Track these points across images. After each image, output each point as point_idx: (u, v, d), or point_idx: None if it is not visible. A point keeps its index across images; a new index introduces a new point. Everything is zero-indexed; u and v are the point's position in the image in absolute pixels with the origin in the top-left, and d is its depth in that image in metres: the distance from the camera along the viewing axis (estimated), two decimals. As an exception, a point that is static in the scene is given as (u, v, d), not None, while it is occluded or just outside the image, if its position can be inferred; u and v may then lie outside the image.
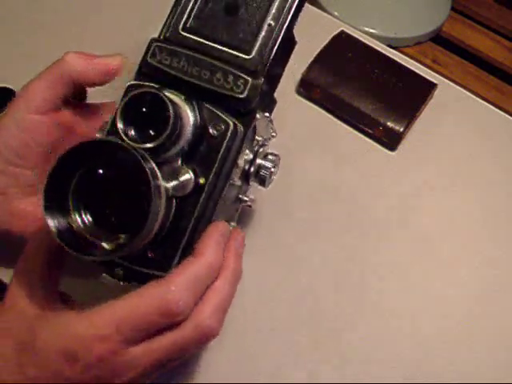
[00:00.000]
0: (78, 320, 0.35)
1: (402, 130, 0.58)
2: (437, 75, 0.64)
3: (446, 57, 1.40)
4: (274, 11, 0.41)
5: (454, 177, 0.59)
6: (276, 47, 0.41)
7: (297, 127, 0.60)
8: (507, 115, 0.63)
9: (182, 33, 0.41)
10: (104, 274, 0.40)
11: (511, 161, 0.60)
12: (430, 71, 0.64)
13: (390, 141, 0.59)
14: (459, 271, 0.53)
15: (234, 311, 0.49)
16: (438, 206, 0.57)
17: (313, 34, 0.65)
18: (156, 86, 0.39)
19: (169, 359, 0.37)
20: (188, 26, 0.41)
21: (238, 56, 0.41)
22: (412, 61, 0.65)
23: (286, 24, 0.42)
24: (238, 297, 0.50)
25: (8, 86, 0.57)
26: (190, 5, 0.41)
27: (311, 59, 0.61)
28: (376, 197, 0.57)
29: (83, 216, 0.37)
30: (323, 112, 0.61)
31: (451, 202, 0.57)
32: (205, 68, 0.40)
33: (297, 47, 0.65)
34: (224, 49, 0.41)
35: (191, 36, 0.41)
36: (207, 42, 0.41)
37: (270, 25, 0.41)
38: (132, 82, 0.40)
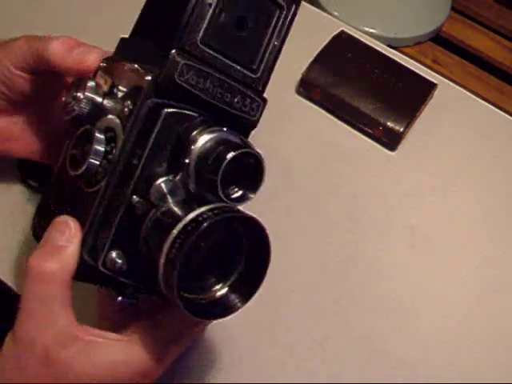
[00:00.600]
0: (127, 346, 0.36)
1: (401, 130, 0.58)
2: (437, 75, 0.64)
3: (446, 57, 1.40)
4: (277, 30, 0.41)
5: (454, 177, 0.59)
6: (274, 66, 0.41)
7: (297, 127, 0.60)
8: (507, 115, 0.63)
9: (201, 46, 0.38)
10: (120, 298, 0.39)
11: (511, 161, 0.60)
12: (430, 71, 0.64)
13: (390, 141, 0.59)
14: (459, 271, 0.53)
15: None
16: (438, 205, 0.57)
17: (313, 34, 0.65)
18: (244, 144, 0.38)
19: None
20: (205, 38, 0.38)
21: (246, 75, 0.40)
22: (412, 61, 0.65)
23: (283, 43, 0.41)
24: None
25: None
26: (205, 14, 0.38)
27: (311, 59, 0.61)
28: (376, 197, 0.57)
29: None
30: (323, 112, 0.61)
31: (451, 202, 0.57)
32: (227, 90, 0.39)
33: (297, 47, 0.65)
34: (236, 66, 0.40)
35: (208, 50, 0.39)
36: (222, 58, 0.39)
37: (275, 45, 0.41)
38: (156, 101, 0.37)
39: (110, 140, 0.38)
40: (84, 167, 0.37)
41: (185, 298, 0.35)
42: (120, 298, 0.38)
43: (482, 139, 0.61)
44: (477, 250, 0.55)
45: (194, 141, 0.37)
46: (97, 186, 0.37)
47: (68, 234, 0.36)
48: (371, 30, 1.33)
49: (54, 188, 0.42)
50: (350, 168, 0.58)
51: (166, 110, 0.37)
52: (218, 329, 0.49)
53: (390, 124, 0.58)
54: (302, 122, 0.61)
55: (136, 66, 0.38)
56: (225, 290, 0.37)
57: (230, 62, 0.40)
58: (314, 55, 0.61)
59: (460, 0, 1.48)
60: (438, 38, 1.43)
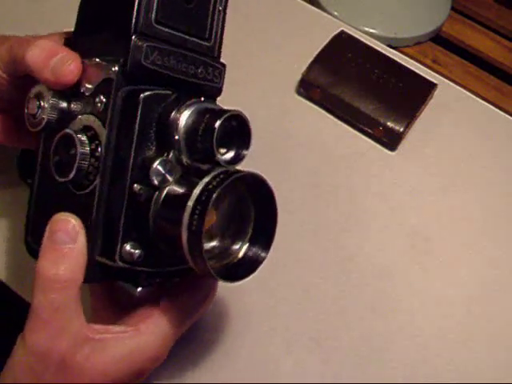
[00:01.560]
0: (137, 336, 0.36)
1: (401, 130, 0.58)
2: (437, 75, 0.64)
3: (446, 57, 1.40)
4: None
5: (454, 177, 0.59)
6: (223, 31, 0.42)
7: (297, 127, 0.60)
8: (507, 115, 0.63)
9: (156, 26, 0.38)
10: (140, 289, 0.40)
11: (511, 161, 0.60)
12: (430, 71, 0.64)
13: (390, 141, 0.59)
14: (459, 271, 0.53)
15: (235, 311, 0.49)
16: (438, 205, 0.57)
17: (313, 34, 0.65)
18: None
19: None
20: (158, 17, 0.39)
21: (201, 45, 0.41)
22: (412, 61, 0.65)
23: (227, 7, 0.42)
24: (238, 296, 0.50)
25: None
26: None
27: (311, 59, 0.61)
28: (376, 197, 0.57)
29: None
30: (323, 112, 0.61)
31: (451, 202, 0.57)
32: (190, 63, 0.40)
33: (297, 47, 0.65)
34: (191, 39, 0.41)
35: (164, 28, 0.39)
36: (178, 34, 0.40)
37: (219, 10, 0.41)
38: (129, 89, 0.37)
39: (92, 139, 0.37)
40: (74, 172, 0.37)
41: (214, 267, 0.36)
42: (140, 289, 0.39)
43: (482, 139, 0.61)
44: (477, 250, 0.55)
45: (178, 117, 0.38)
46: (91, 186, 0.37)
47: (72, 232, 0.36)
48: (371, 30, 1.33)
49: (40, 201, 0.41)
50: (350, 168, 0.58)
51: (142, 94, 0.37)
52: (218, 328, 0.49)
53: (390, 124, 0.58)
54: (302, 122, 0.61)
55: (98, 60, 0.38)
56: (245, 246, 0.39)
57: (185, 36, 0.40)
58: (314, 55, 0.61)
59: (460, 0, 1.48)
60: (438, 38, 1.42)
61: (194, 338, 0.48)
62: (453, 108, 0.63)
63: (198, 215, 0.35)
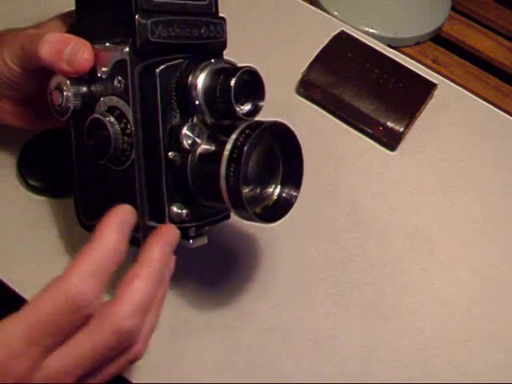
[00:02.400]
0: None
1: (401, 130, 0.58)
2: (437, 75, 0.64)
3: (446, 57, 1.39)
4: None
5: (454, 177, 0.59)
6: None
7: (297, 127, 0.60)
8: (507, 115, 0.63)
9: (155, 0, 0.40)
10: (191, 241, 0.43)
11: (511, 161, 0.60)
12: (430, 71, 0.64)
13: (390, 141, 0.59)
14: (459, 271, 0.53)
15: (235, 311, 0.49)
16: (438, 205, 0.57)
17: (313, 34, 0.65)
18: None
19: (92, 367, 0.35)
20: None
21: (199, 5, 0.43)
22: (412, 61, 0.65)
23: None
24: (238, 296, 0.50)
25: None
26: None
27: (311, 59, 0.61)
28: (376, 197, 0.57)
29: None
30: (323, 112, 0.61)
31: (451, 202, 0.57)
32: (193, 26, 0.42)
33: (297, 47, 0.65)
34: (189, 2, 0.42)
35: (162, 0, 0.40)
36: (175, 1, 0.41)
37: None
38: (143, 65, 0.39)
39: (119, 118, 0.40)
40: (110, 152, 0.40)
41: (256, 212, 0.41)
42: (191, 241, 0.42)
43: (481, 139, 0.61)
44: (477, 250, 0.55)
45: (195, 82, 0.40)
46: (128, 161, 0.40)
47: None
48: (371, 30, 1.33)
49: (84, 182, 0.45)
50: (350, 168, 0.58)
51: (157, 69, 0.39)
52: (218, 328, 0.49)
53: (390, 124, 0.58)
54: (302, 121, 0.61)
55: (108, 44, 0.40)
56: (278, 188, 0.43)
57: (182, 1, 0.42)
58: (314, 55, 0.61)
59: (460, 0, 1.48)
60: (438, 38, 1.42)
61: (194, 338, 0.48)
62: (453, 108, 0.63)
63: (234, 168, 0.38)
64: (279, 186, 0.43)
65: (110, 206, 0.41)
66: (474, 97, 0.64)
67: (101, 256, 0.34)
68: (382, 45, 0.66)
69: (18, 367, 0.32)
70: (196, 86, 0.40)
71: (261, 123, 0.40)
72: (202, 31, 0.43)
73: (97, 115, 0.40)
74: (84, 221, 0.46)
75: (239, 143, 0.39)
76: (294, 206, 0.55)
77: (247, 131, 0.39)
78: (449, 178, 0.58)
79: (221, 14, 0.44)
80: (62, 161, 0.54)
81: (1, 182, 0.54)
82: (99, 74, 0.41)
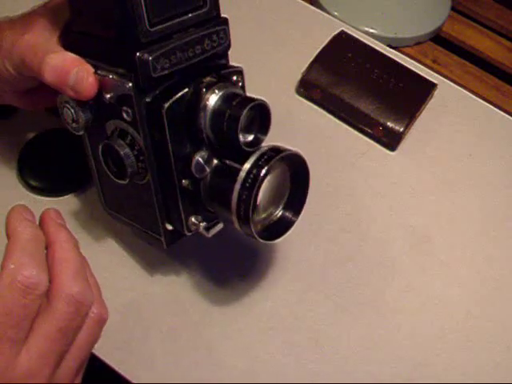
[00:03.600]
0: None
1: (401, 130, 0.58)
2: (437, 75, 0.64)
3: (446, 57, 1.39)
4: None
5: (454, 177, 0.59)
6: None
7: (297, 127, 0.60)
8: (507, 115, 0.63)
9: (152, 29, 0.39)
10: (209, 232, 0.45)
11: (511, 161, 0.60)
12: (430, 71, 0.64)
13: (390, 141, 0.59)
14: (459, 271, 0.53)
15: (235, 311, 0.49)
16: (438, 205, 0.57)
17: (313, 34, 0.65)
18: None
19: (64, 345, 0.35)
20: (151, 20, 0.39)
21: (199, 15, 0.42)
22: (412, 61, 0.65)
23: None
24: (239, 296, 0.50)
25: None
26: (139, 2, 0.38)
27: (311, 59, 0.61)
28: (376, 197, 0.57)
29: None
30: (323, 112, 0.61)
31: (451, 202, 0.57)
32: (195, 44, 0.41)
33: (297, 47, 0.65)
34: (188, 15, 0.41)
35: (160, 26, 0.40)
36: (174, 21, 0.40)
37: None
38: (149, 100, 0.40)
39: (132, 145, 0.42)
40: (128, 177, 0.42)
41: (258, 232, 0.42)
42: (209, 232, 0.45)
43: (481, 139, 0.61)
44: (477, 250, 0.55)
45: (202, 115, 0.41)
46: (146, 178, 0.43)
47: None
48: (371, 30, 1.33)
49: (107, 192, 0.48)
50: (350, 168, 0.58)
51: (163, 106, 0.40)
52: (218, 328, 0.49)
53: (390, 124, 0.58)
54: (302, 121, 0.61)
55: (111, 76, 0.40)
56: (281, 211, 0.45)
57: (181, 19, 0.41)
58: (314, 55, 0.61)
59: (460, 0, 1.48)
60: (438, 38, 1.42)
61: (194, 338, 0.48)
62: (453, 108, 0.63)
63: (246, 196, 0.40)
64: (282, 209, 0.45)
65: (130, 205, 0.46)
66: (473, 97, 0.64)
67: (25, 243, 0.36)
68: (382, 45, 0.66)
69: None
70: (203, 117, 0.41)
71: (276, 152, 0.41)
72: (205, 45, 0.42)
73: (109, 142, 0.42)
74: (106, 209, 0.49)
75: (252, 176, 0.40)
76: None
77: (261, 161, 0.40)
78: (449, 178, 0.58)
79: (223, 14, 0.43)
80: (61, 161, 0.54)
81: (1, 181, 0.54)
82: (105, 100, 0.41)
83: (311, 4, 0.72)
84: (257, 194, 0.40)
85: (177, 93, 0.41)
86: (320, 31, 0.65)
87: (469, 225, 0.56)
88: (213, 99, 0.41)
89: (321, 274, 0.52)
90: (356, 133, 0.60)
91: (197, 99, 0.41)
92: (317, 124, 0.61)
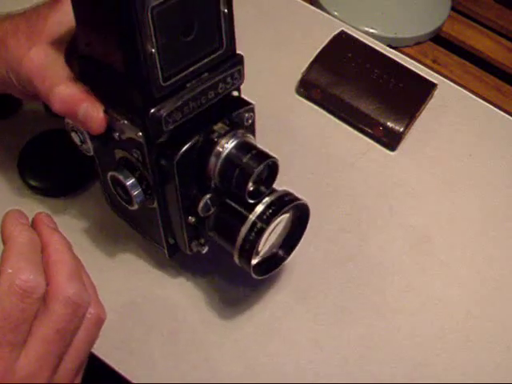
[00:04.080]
0: None
1: (401, 130, 0.58)
2: (437, 75, 0.64)
3: (446, 57, 1.40)
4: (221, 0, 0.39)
5: (454, 177, 0.59)
6: (233, 24, 0.41)
7: (297, 127, 0.60)
8: (507, 115, 0.63)
9: (165, 84, 0.38)
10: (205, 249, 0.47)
11: (511, 161, 0.60)
12: (430, 71, 0.64)
13: (390, 141, 0.59)
14: (459, 271, 0.53)
15: (235, 311, 0.49)
16: (438, 205, 0.57)
17: (313, 34, 0.65)
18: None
19: (62, 347, 0.36)
20: (164, 74, 0.38)
21: (214, 58, 0.40)
22: (412, 61, 0.65)
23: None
24: (239, 297, 0.50)
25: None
26: (154, 60, 0.37)
27: (311, 59, 0.61)
28: (376, 197, 0.57)
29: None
30: (323, 112, 0.61)
31: (451, 202, 0.57)
32: (209, 90, 0.40)
33: (297, 47, 0.65)
34: (203, 61, 0.40)
35: (173, 79, 0.38)
36: (188, 70, 0.39)
37: (224, 12, 0.39)
38: (159, 152, 0.40)
39: (140, 179, 0.42)
40: (136, 205, 0.43)
41: (253, 268, 0.44)
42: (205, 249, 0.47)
43: (482, 139, 0.61)
44: (477, 250, 0.55)
45: (212, 166, 0.41)
46: (154, 203, 0.44)
47: None
48: (371, 30, 1.33)
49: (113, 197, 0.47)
50: (350, 168, 0.58)
51: (175, 156, 0.40)
52: (218, 328, 0.49)
53: (390, 124, 0.58)
54: (302, 122, 0.61)
55: (122, 121, 0.40)
56: (275, 249, 0.46)
57: (195, 66, 0.39)
58: (314, 55, 0.61)
59: (460, 0, 1.48)
60: (438, 38, 1.42)
61: (194, 338, 0.48)
62: (453, 108, 0.63)
63: (250, 246, 0.42)
64: (277, 248, 0.47)
65: (135, 216, 0.48)
66: (473, 97, 0.64)
67: (21, 247, 0.36)
68: (382, 45, 0.66)
69: None
70: (214, 164, 0.41)
71: (286, 201, 0.42)
72: (219, 89, 0.41)
73: (118, 175, 0.42)
74: (110, 206, 0.50)
75: (260, 224, 0.42)
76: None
77: (271, 210, 0.42)
78: (449, 178, 0.58)
79: (238, 51, 0.42)
80: (61, 161, 0.54)
81: (1, 182, 0.54)
82: (115, 136, 0.41)
83: (311, 4, 0.72)
84: (260, 240, 0.42)
85: (187, 141, 0.40)
86: (320, 31, 0.65)
87: (469, 225, 0.56)
88: (225, 149, 0.41)
89: (321, 273, 0.52)
90: (356, 133, 0.60)
91: (208, 148, 0.41)
92: (317, 124, 0.61)
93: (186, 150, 0.40)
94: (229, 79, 0.41)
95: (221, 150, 0.41)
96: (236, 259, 0.44)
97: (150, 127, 0.38)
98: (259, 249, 0.43)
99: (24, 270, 0.34)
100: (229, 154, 0.41)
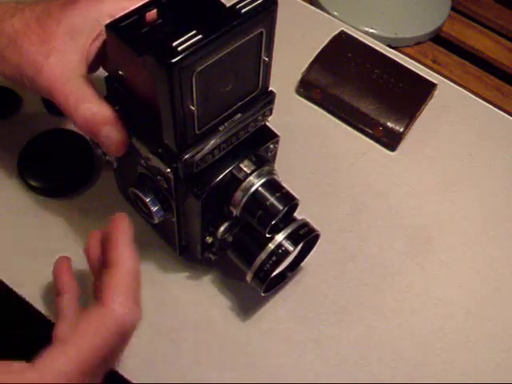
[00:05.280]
0: (38, 370, 0.34)
1: (401, 130, 0.58)
2: (437, 75, 0.64)
3: (446, 57, 1.40)
4: (264, 47, 0.38)
5: (454, 177, 0.59)
6: (270, 67, 0.41)
7: (297, 127, 0.60)
8: (507, 115, 0.64)
9: (199, 132, 0.38)
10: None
11: (511, 161, 0.60)
12: (430, 71, 0.64)
13: (390, 141, 0.59)
14: (459, 271, 0.53)
15: (235, 311, 0.49)
16: (438, 205, 0.57)
17: (313, 34, 0.65)
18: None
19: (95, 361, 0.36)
20: (200, 123, 0.38)
21: (249, 101, 0.41)
22: (412, 61, 0.65)
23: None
24: (238, 297, 0.50)
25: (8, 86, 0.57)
26: (193, 112, 0.37)
27: (311, 59, 0.61)
28: (376, 197, 0.57)
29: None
30: (323, 112, 0.61)
31: (451, 202, 0.57)
32: (239, 130, 0.41)
33: (297, 47, 0.65)
34: (239, 104, 0.40)
35: (207, 126, 0.39)
36: (221, 116, 0.39)
37: (264, 60, 0.39)
38: (187, 191, 0.41)
39: (163, 202, 0.43)
40: (156, 220, 0.44)
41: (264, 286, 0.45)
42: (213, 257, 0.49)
43: (482, 139, 0.61)
44: (477, 250, 0.55)
45: (236, 205, 0.43)
46: (173, 218, 0.44)
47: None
48: (371, 30, 1.33)
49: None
50: (350, 168, 0.58)
51: (202, 194, 0.41)
52: (218, 328, 0.49)
53: (390, 124, 0.58)
54: (302, 121, 0.61)
55: (150, 156, 0.40)
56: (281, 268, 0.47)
57: (229, 111, 0.40)
58: (314, 55, 0.61)
59: (460, 0, 1.48)
60: (438, 38, 1.42)
61: (194, 339, 0.48)
62: (453, 108, 0.63)
63: (267, 271, 0.43)
64: (284, 267, 0.48)
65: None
66: (473, 97, 0.64)
67: (128, 278, 0.38)
68: (382, 45, 0.66)
69: None
70: (238, 199, 0.42)
71: (305, 233, 0.44)
72: (250, 127, 0.42)
73: (139, 193, 0.43)
74: (121, 192, 0.51)
75: (279, 252, 0.43)
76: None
77: (290, 240, 0.44)
78: (449, 178, 0.58)
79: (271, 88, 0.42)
80: (61, 161, 0.54)
81: (1, 182, 0.54)
82: (139, 161, 0.41)
83: (311, 4, 0.72)
84: (276, 269, 0.44)
85: (214, 179, 0.41)
86: (320, 31, 0.65)
87: (469, 225, 0.56)
88: (252, 186, 0.42)
89: (321, 274, 0.52)
90: (356, 133, 0.60)
91: (235, 185, 0.42)
92: (317, 124, 0.61)
93: (212, 188, 0.41)
94: (260, 117, 0.42)
95: (247, 186, 0.42)
96: (248, 279, 0.45)
97: (181, 169, 0.39)
98: (272, 275, 0.44)
99: (128, 307, 0.37)
100: (255, 193, 0.42)
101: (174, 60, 0.32)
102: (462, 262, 0.54)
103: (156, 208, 0.43)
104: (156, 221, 0.44)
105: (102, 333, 0.35)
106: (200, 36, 0.33)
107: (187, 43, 0.33)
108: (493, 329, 0.51)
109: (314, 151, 0.59)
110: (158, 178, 0.41)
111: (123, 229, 0.39)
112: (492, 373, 0.49)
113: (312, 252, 0.49)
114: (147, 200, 0.43)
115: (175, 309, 0.49)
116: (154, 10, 0.36)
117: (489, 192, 0.58)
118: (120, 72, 0.38)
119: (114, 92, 0.40)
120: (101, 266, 0.40)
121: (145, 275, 0.50)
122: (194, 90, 0.35)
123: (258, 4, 0.35)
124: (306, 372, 0.48)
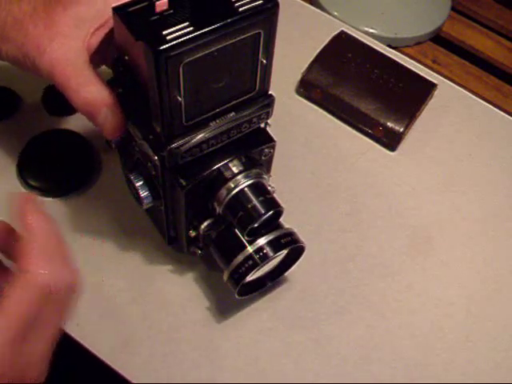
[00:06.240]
0: None
1: (401, 130, 0.58)
2: (437, 75, 0.64)
3: (446, 57, 1.40)
4: (262, 49, 0.38)
5: (454, 177, 0.59)
6: (270, 70, 0.40)
7: (297, 127, 0.60)
8: (507, 115, 0.63)
9: (186, 124, 0.38)
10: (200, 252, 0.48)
11: (511, 161, 0.60)
12: (430, 71, 0.64)
13: (390, 141, 0.59)
14: (459, 271, 0.53)
15: (234, 311, 0.49)
16: (438, 205, 0.57)
17: (313, 34, 0.65)
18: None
19: (22, 326, 0.35)
20: (187, 115, 0.38)
21: (245, 100, 0.40)
22: (412, 61, 0.65)
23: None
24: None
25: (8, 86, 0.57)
26: (180, 103, 0.37)
27: (311, 59, 0.61)
28: (376, 197, 0.57)
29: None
30: (323, 112, 0.61)
31: (451, 202, 0.57)
32: (230, 130, 0.40)
33: (297, 47, 0.65)
34: (233, 103, 0.40)
35: (196, 119, 0.38)
36: (212, 112, 0.39)
37: (262, 62, 0.38)
38: (173, 178, 0.41)
39: (152, 186, 0.43)
40: (145, 206, 0.45)
41: (239, 288, 0.45)
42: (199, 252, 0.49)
43: (482, 139, 0.61)
44: (477, 250, 0.55)
45: (221, 195, 0.42)
46: (161, 206, 0.45)
47: None
48: (371, 30, 1.33)
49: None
50: (350, 168, 0.58)
51: (187, 186, 0.41)
52: (218, 328, 0.49)
53: (390, 124, 0.58)
54: (302, 122, 0.61)
55: (141, 141, 0.40)
56: (261, 274, 0.47)
57: (222, 108, 0.39)
58: (314, 55, 0.61)
59: (460, 0, 1.48)
60: (438, 38, 1.42)
61: (194, 338, 0.48)
62: (453, 108, 0.63)
63: (243, 273, 0.43)
64: (263, 274, 0.48)
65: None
66: (473, 97, 0.64)
67: (42, 240, 0.37)
68: (382, 45, 0.66)
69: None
70: (222, 198, 0.42)
71: (287, 242, 0.44)
72: (243, 128, 0.41)
73: (131, 176, 0.44)
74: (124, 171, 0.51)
75: (258, 257, 0.43)
76: (295, 206, 0.55)
77: (270, 247, 0.43)
78: (449, 178, 0.58)
79: (271, 91, 0.41)
80: (61, 161, 0.54)
81: (1, 182, 0.54)
82: (134, 145, 0.42)
83: (311, 4, 0.72)
84: (251, 273, 0.43)
85: (201, 174, 0.41)
86: (320, 31, 0.65)
87: (469, 225, 0.56)
88: (237, 186, 0.41)
89: (321, 274, 0.52)
90: (356, 133, 0.60)
91: (220, 182, 0.42)
92: (317, 124, 0.61)
93: (197, 182, 0.41)
94: (255, 119, 0.41)
95: (232, 186, 0.41)
96: (225, 278, 0.45)
97: (167, 159, 0.39)
98: (247, 279, 0.44)
99: (46, 268, 0.35)
100: (239, 193, 0.41)
101: (160, 47, 0.33)
102: (462, 262, 0.54)
103: (145, 193, 0.44)
104: (144, 206, 0.44)
105: (26, 298, 0.35)
106: (191, 28, 0.33)
107: (177, 33, 0.33)
108: (493, 329, 0.51)
109: (313, 151, 0.59)
110: (149, 164, 0.41)
111: (28, 199, 0.39)
112: (492, 373, 0.49)
113: (312, 252, 0.49)
114: (137, 185, 0.43)
115: (175, 310, 0.49)
116: (165, 0, 0.36)
117: (489, 192, 0.58)
118: (126, 57, 0.38)
119: (119, 75, 0.41)
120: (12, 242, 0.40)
121: (132, 263, 0.51)
122: (182, 80, 0.35)
123: (258, 4, 0.35)
124: (306, 372, 0.48)
